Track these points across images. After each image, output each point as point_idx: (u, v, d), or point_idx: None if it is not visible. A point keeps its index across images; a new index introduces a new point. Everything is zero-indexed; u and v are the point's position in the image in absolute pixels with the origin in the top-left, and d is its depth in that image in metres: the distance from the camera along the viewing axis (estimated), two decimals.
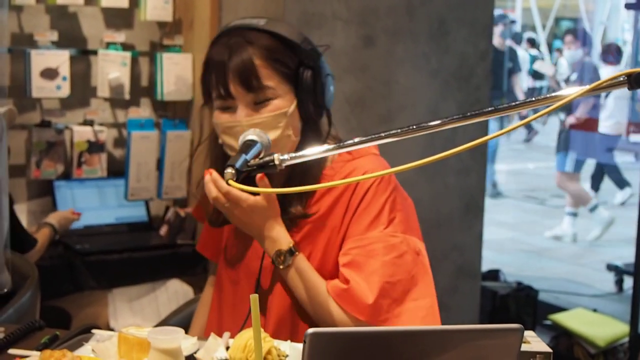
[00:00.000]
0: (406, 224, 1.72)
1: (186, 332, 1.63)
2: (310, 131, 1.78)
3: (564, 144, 7.37)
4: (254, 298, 1.06)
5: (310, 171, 1.74)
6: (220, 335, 1.60)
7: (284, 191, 1.59)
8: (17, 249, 2.95)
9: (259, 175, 1.65)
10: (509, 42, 10.76)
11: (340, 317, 1.66)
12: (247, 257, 1.83)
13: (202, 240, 2.04)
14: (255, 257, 1.80)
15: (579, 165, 7.41)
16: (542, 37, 19.49)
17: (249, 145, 1.56)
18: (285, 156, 1.50)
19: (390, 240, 1.68)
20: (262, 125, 1.67)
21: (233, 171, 1.45)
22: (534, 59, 13.55)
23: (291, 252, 1.70)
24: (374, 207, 1.70)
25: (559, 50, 14.18)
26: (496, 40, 10.17)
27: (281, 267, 1.71)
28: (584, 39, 12.14)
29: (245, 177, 1.50)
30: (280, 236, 1.71)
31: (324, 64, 1.76)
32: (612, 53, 7.85)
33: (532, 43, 14.56)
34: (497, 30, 10.24)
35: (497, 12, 10.24)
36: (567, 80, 9.71)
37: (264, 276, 1.78)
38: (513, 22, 12.41)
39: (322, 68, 1.75)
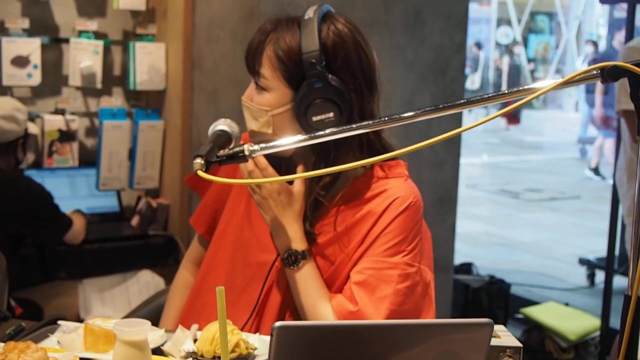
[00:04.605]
0: (423, 254, 1.71)
1: (157, 322, 1.61)
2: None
3: None
4: (220, 290, 1.04)
5: (341, 180, 1.69)
6: (203, 319, 1.58)
7: (276, 180, 1.56)
8: (57, 232, 3.17)
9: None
10: None
11: None
12: (254, 249, 1.76)
13: (197, 214, 1.95)
14: (267, 250, 1.73)
15: None
16: (517, 31, 19.63)
17: (219, 135, 1.54)
18: (256, 147, 1.48)
19: (406, 269, 1.65)
20: (248, 111, 1.66)
21: (202, 161, 1.43)
22: None
23: (303, 256, 1.65)
24: (400, 233, 1.65)
25: None
26: None
27: (292, 267, 1.65)
28: None
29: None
30: (297, 236, 1.66)
31: (336, 83, 1.60)
32: None
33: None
34: None
35: (472, 6, 10.43)
36: None
37: (271, 274, 1.72)
38: None
39: (328, 88, 1.59)
